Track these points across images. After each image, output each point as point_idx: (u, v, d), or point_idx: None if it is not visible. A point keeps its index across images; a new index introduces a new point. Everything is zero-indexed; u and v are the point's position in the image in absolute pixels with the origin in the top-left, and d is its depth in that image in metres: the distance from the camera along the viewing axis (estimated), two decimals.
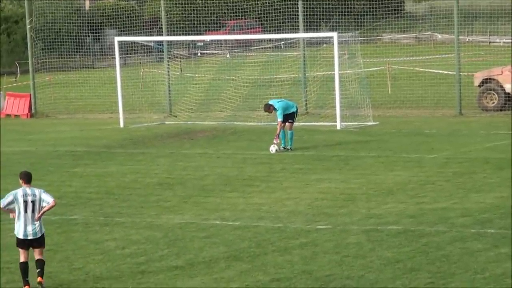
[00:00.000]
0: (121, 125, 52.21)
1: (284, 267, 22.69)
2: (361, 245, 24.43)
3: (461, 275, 21.34)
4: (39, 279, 20.94)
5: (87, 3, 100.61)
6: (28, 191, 21.21)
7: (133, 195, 33.93)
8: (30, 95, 59.92)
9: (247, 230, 27.22)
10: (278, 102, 43.01)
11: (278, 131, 41.72)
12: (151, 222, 28.82)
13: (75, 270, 23.47)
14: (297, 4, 53.92)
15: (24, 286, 20.96)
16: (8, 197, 21.24)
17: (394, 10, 63.90)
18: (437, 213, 28.28)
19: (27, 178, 21.36)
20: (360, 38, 55.53)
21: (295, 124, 43.05)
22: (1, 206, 21.38)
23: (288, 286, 21.11)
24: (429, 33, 73.66)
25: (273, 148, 41.05)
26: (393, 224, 26.86)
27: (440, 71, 58.88)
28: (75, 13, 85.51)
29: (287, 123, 42.02)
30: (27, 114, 59.20)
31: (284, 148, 41.65)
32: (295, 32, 56.54)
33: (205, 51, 78.79)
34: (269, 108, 42.74)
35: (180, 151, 43.76)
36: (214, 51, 77.37)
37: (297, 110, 43.16)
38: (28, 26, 61.85)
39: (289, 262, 23.14)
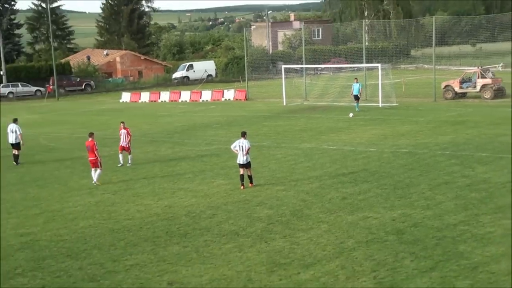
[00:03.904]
0: (284, 104, 55.73)
1: (356, 165, 26.22)
2: (390, 159, 27.47)
3: (433, 173, 24.54)
4: (250, 185, 23.68)
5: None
6: (242, 140, 23.61)
7: (288, 134, 37.71)
8: (246, 90, 64.63)
9: (340, 150, 30.75)
10: (356, 84, 47.31)
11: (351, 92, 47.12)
12: (297, 146, 32.86)
13: (263, 167, 27.53)
14: None
15: (241, 186, 23.67)
16: (234, 144, 23.80)
17: None
18: (428, 144, 30.74)
19: (243, 134, 23.94)
20: None
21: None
22: (232, 149, 24.03)
23: (361, 180, 24.51)
24: None
25: (351, 114, 44.46)
26: (405, 147, 29.98)
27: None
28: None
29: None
30: (244, 98, 63.61)
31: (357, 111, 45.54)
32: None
33: (321, 72, 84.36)
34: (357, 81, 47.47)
35: (310, 115, 47.27)
36: (325, 72, 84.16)
37: (359, 91, 47.24)
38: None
39: (355, 162, 26.66)
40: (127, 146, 30.18)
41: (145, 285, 14.73)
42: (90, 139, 26.49)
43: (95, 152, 26.12)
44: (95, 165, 26.24)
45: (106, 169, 28.58)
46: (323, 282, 14.26)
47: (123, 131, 30.16)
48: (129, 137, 30.19)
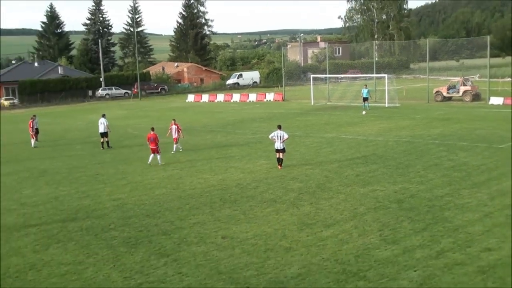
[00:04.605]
0: (312, 104, 54.46)
1: (367, 150, 25.75)
2: (393, 146, 26.89)
3: (435, 156, 24.08)
4: (279, 167, 22.94)
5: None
6: (279, 131, 22.86)
7: (315, 126, 36.89)
8: (283, 93, 63.10)
9: (355, 139, 30.01)
10: (365, 89, 46.53)
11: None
12: (321, 136, 31.99)
13: (295, 151, 26.90)
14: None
15: (278, 166, 23.03)
16: (272, 134, 23.00)
17: None
18: (422, 135, 30.00)
19: (279, 126, 23.25)
20: None
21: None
22: (270, 138, 23.26)
23: (371, 161, 24.28)
24: None
25: (363, 112, 43.83)
26: (405, 137, 28.97)
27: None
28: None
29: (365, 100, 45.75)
30: (281, 99, 61.86)
31: (368, 110, 44.76)
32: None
33: (341, 80, 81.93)
34: (366, 87, 46.50)
35: (332, 113, 45.71)
36: (343, 80, 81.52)
37: (368, 94, 46.28)
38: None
39: (366, 148, 26.20)
40: (177, 137, 29.12)
41: (204, 238, 14.66)
42: (152, 132, 25.77)
43: (158, 142, 25.60)
44: (156, 151, 25.72)
45: (175, 152, 28.52)
46: (341, 239, 14.09)
47: (174, 126, 28.97)
48: (180, 131, 29.12)
